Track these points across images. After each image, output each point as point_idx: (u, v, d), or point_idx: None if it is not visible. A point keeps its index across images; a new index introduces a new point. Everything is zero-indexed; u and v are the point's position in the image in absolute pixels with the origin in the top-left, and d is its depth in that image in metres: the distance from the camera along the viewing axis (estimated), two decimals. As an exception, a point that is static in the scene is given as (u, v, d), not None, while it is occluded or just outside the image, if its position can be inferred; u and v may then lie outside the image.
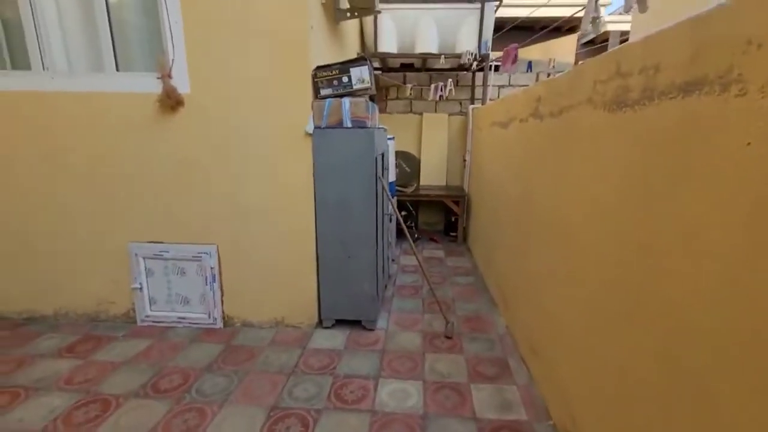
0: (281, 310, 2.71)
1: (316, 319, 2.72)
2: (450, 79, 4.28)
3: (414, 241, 5.03)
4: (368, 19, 4.13)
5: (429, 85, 4.60)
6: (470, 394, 2.04)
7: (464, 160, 5.11)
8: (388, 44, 4.24)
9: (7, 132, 2.49)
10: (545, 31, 7.59)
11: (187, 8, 2.26)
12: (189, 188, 2.53)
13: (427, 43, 4.24)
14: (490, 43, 4.03)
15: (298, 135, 2.42)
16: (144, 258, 2.62)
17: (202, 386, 2.09)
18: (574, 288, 1.61)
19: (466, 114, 5.17)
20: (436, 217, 5.55)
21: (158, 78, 2.26)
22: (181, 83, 2.31)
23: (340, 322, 2.75)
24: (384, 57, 4.29)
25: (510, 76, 5.30)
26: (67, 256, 2.67)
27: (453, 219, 5.02)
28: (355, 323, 2.74)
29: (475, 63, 4.17)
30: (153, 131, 2.44)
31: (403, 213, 4.95)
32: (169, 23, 2.25)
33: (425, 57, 4.25)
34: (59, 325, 2.72)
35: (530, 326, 2.20)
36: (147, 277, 2.65)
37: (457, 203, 4.78)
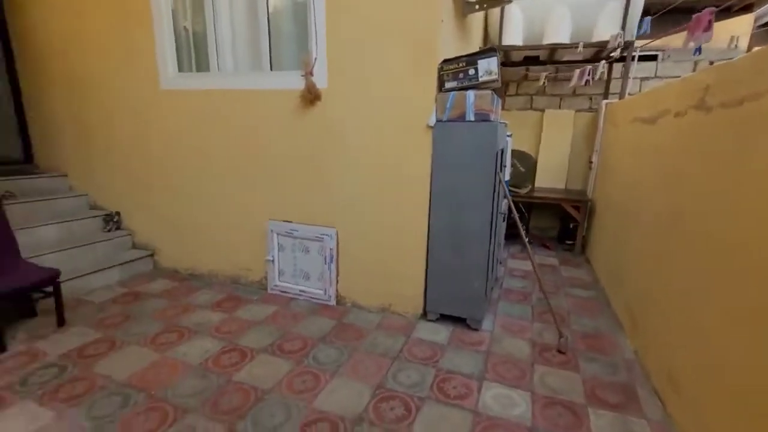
0: (388, 297, 2.82)
1: (420, 311, 2.77)
2: (603, 61, 3.87)
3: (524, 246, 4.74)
4: (494, 11, 3.99)
5: (555, 77, 4.24)
6: (587, 418, 1.84)
7: (590, 162, 4.59)
8: (514, 36, 4.03)
9: (193, 122, 3.09)
10: (715, 9, 6.29)
11: (331, 13, 2.49)
12: (317, 175, 2.80)
13: (559, 33, 3.90)
14: (647, 26, 3.51)
15: (419, 128, 2.47)
16: (278, 234, 3.00)
17: (317, 354, 2.31)
18: (748, 322, 1.32)
19: (597, 110, 4.64)
20: (549, 222, 5.12)
21: (302, 75, 2.55)
22: (320, 79, 2.56)
23: (444, 317, 2.74)
24: (508, 50, 4.09)
25: (657, 66, 4.57)
26: (221, 228, 3.20)
27: (571, 226, 4.57)
28: (459, 320, 2.70)
29: (617, 51, 3.69)
30: (293, 123, 2.76)
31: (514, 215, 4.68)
32: (315, 27, 2.51)
33: (556, 48, 3.93)
34: (211, 283, 3.29)
35: (671, 355, 1.88)
36: (279, 251, 3.03)
37: (577, 209, 4.33)
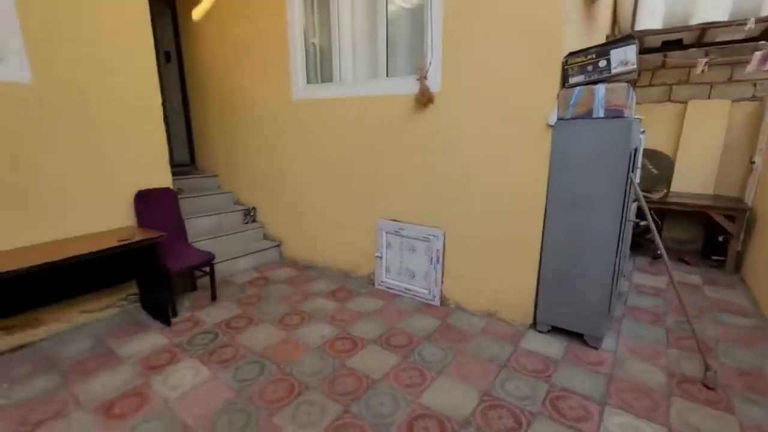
0: (494, 303, 2.74)
1: (530, 320, 2.63)
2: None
3: (654, 259, 4.12)
4: (626, -6, 3.55)
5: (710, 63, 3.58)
6: (748, 471, 1.53)
7: (752, 162, 3.77)
8: (651, 18, 3.52)
9: (317, 128, 3.44)
10: None
11: (448, 15, 2.52)
12: (427, 176, 2.86)
13: (713, 10, 3.28)
14: None
15: (537, 127, 2.35)
16: (386, 233, 3.15)
17: (422, 351, 2.37)
18: None
19: (764, 99, 3.78)
20: (689, 233, 4.36)
21: (417, 79, 2.63)
22: (434, 82, 2.61)
23: (556, 330, 2.55)
24: (643, 35, 3.60)
25: None
26: (336, 225, 3.50)
27: (720, 238, 3.81)
28: (574, 335, 2.49)
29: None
30: (405, 126, 2.88)
31: (643, 223, 4.10)
32: (431, 31, 2.57)
33: (708, 27, 3.32)
34: (326, 274, 3.62)
35: None
36: (386, 249, 3.19)
37: (731, 219, 3.60)
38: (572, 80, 2.23)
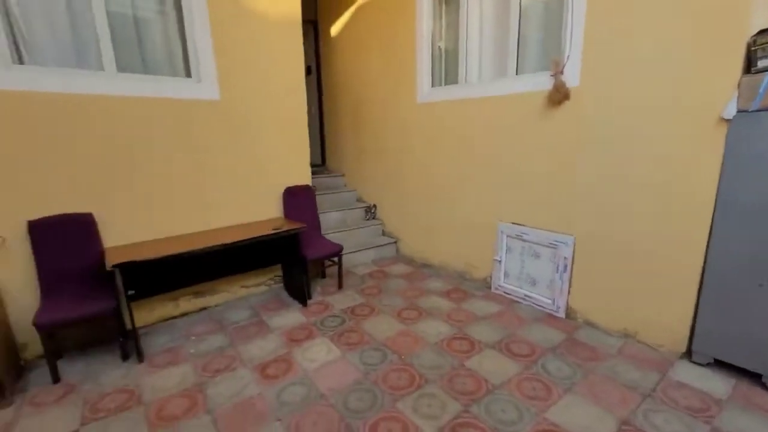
0: (634, 322, 2.42)
1: (682, 348, 2.24)
2: None
3: None
4: None
5: None
6: None
7: None
8: None
9: (439, 129, 3.52)
10: None
11: (595, 2, 2.31)
12: (557, 178, 2.67)
13: None
14: None
15: (705, 121, 1.99)
16: (507, 236, 3.05)
17: (547, 364, 2.23)
18: None
19: None
20: None
21: (551, 75, 2.48)
22: (571, 77, 2.42)
23: (720, 364, 2.13)
24: None
25: None
26: (453, 225, 3.52)
27: None
28: (747, 374, 2.04)
29: None
30: (534, 125, 2.73)
31: None
32: (571, 23, 2.38)
33: None
34: (440, 274, 3.67)
35: None
36: (506, 253, 3.08)
37: None
38: (762, 63, 1.82)
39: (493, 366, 2.23)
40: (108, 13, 2.35)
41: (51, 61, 2.25)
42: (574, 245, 2.64)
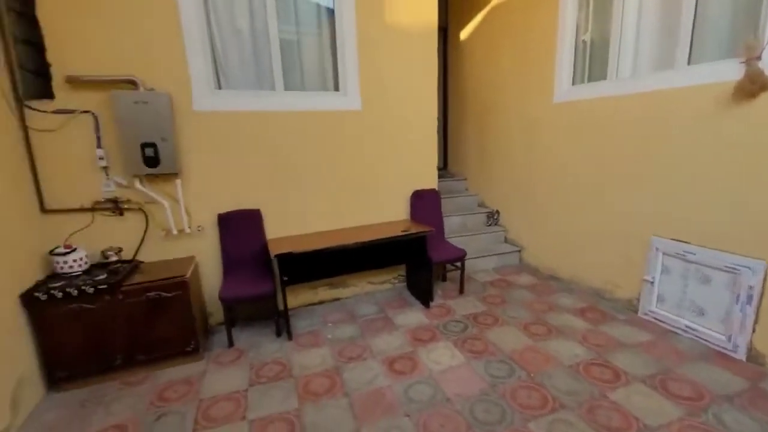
0: None
1: None
2: None
3: None
4: None
5: None
6: None
7: None
8: None
9: (579, 132, 3.23)
10: None
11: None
12: (743, 189, 2.18)
13: None
14: None
15: None
16: (663, 254, 2.61)
17: (721, 415, 1.84)
18: None
19: None
20: None
21: (741, 62, 2.03)
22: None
23: None
24: None
25: None
26: (589, 236, 3.17)
27: None
28: None
29: None
30: (707, 124, 2.28)
31: None
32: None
33: None
34: (571, 288, 3.35)
35: None
36: (661, 273, 2.64)
37: None
38: None
39: (646, 404, 1.94)
40: (279, 41, 2.80)
41: (240, 85, 2.78)
42: (766, 273, 2.11)
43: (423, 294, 3.12)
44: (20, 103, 2.16)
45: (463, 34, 4.56)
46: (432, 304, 3.13)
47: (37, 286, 2.07)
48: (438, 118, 5.06)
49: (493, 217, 4.25)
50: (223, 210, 2.77)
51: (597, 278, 3.16)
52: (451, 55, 4.93)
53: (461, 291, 3.33)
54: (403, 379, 2.21)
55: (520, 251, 4.01)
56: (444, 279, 3.63)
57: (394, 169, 3.28)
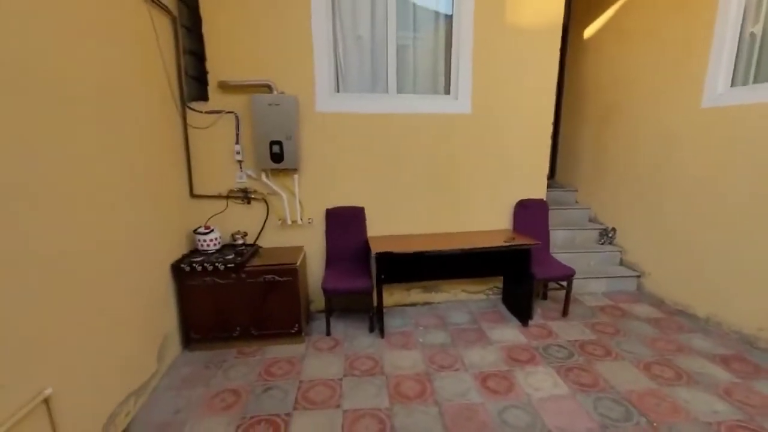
0: None
1: None
2: None
3: None
4: None
5: None
6: None
7: None
8: None
9: (733, 143, 2.70)
10: None
11: None
12: None
13: None
14: None
15: None
16: None
17: None
18: None
19: None
20: None
21: None
22: None
23: None
24: None
25: None
26: (743, 268, 2.61)
27: None
28: None
29: None
30: None
31: None
32: None
33: None
34: (709, 330, 2.80)
35: None
36: None
37: None
38: None
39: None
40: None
41: (355, 88, 2.94)
42: None
43: (521, 310, 2.92)
44: (183, 104, 2.59)
45: (588, 32, 4.14)
46: (530, 322, 2.91)
47: (183, 258, 2.46)
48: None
49: (606, 235, 3.79)
50: (331, 205, 2.95)
51: (748, 322, 2.59)
52: (569, 56, 4.52)
53: (565, 313, 3.03)
54: (498, 399, 2.09)
55: (639, 277, 3.50)
56: (544, 297, 3.35)
57: (499, 176, 3.13)
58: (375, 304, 2.74)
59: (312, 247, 2.99)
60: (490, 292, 3.36)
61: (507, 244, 2.71)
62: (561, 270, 2.93)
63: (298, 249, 2.83)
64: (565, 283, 2.99)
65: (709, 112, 2.81)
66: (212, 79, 2.62)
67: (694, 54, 2.89)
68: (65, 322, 1.51)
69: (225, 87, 2.62)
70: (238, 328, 2.50)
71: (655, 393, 2.12)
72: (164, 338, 2.30)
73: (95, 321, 1.69)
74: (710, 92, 2.80)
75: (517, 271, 2.94)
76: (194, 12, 2.53)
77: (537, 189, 3.21)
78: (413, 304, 3.24)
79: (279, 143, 2.64)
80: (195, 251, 2.60)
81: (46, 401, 1.38)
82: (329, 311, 2.75)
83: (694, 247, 2.96)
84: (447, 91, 3.01)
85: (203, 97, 2.64)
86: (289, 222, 2.86)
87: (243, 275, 2.43)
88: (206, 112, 2.66)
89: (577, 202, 4.36)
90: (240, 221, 2.83)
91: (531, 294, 2.84)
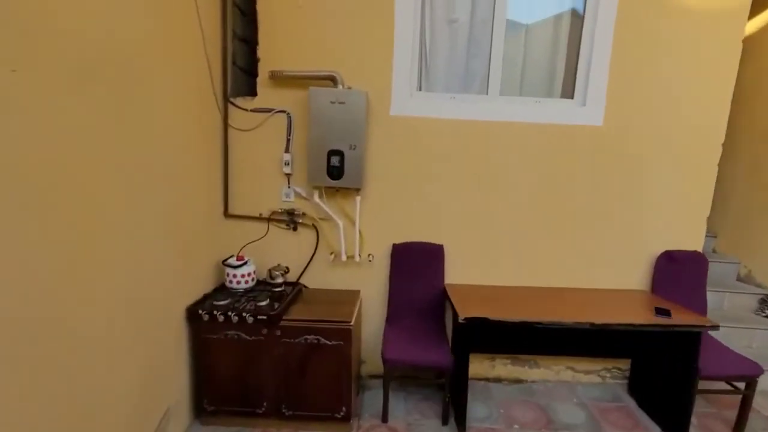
0: None
1: None
2: None
3: None
4: None
5: None
6: None
7: None
8: None
9: None
10: None
11: None
12: None
13: None
14: None
15: None
16: None
17: None
18: None
19: None
20: None
21: None
22: None
23: None
24: None
25: None
26: None
27: None
28: None
29: None
30: None
31: None
32: None
33: None
34: None
35: None
36: None
37: None
38: None
39: None
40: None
41: (441, 87, 2.25)
42: None
43: (667, 416, 1.96)
44: (226, 99, 2.05)
45: (752, 25, 3.12)
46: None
47: (204, 300, 1.85)
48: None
49: (776, 306, 2.69)
50: (401, 240, 2.23)
51: None
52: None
53: (739, 428, 2.01)
54: None
55: (840, 376, 2.36)
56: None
57: (636, 214, 2.24)
58: (452, 382, 1.94)
59: (370, 291, 2.28)
60: (608, 375, 2.42)
61: (663, 321, 1.80)
62: (739, 364, 1.94)
63: (353, 295, 2.13)
64: (739, 385, 1.99)
65: None
66: (263, 70, 2.06)
67: None
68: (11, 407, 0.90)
69: (278, 78, 2.03)
70: (265, 404, 1.82)
71: None
72: (168, 410, 1.68)
73: (65, 399, 1.08)
74: None
75: (658, 355, 2.01)
76: (249, -12, 2.01)
77: (692, 236, 2.26)
78: (498, 380, 2.39)
79: (340, 154, 1.98)
80: (221, 288, 2.00)
81: None
82: (387, 383, 2.00)
83: None
84: (569, 95, 2.21)
85: (250, 91, 2.08)
86: (344, 258, 2.18)
87: (277, 332, 1.76)
88: (252, 110, 2.09)
89: (715, 251, 3.26)
90: (282, 252, 2.20)
91: (692, 399, 1.88)
